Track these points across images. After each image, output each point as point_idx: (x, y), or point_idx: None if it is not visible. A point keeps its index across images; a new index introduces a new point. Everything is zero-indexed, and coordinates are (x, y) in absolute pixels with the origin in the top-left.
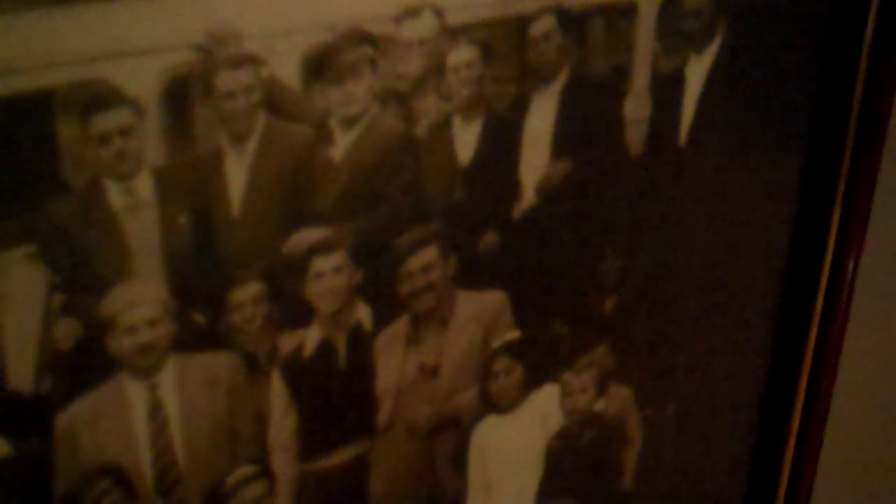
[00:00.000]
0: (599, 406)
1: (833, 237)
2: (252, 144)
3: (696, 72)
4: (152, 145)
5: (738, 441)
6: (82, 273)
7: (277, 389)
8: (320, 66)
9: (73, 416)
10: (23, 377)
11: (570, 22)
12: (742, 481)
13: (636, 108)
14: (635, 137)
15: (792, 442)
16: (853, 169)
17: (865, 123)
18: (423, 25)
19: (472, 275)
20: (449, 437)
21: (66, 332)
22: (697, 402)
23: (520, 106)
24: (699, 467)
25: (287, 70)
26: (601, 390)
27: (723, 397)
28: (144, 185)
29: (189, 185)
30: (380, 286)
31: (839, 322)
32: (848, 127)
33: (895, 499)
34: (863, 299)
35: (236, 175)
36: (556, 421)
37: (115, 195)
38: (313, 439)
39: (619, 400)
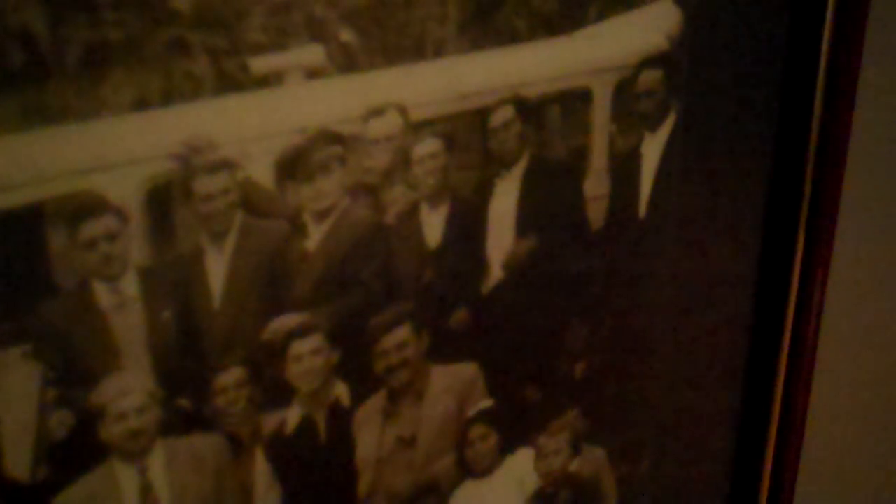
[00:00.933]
0: (574, 467)
1: (794, 293)
2: (230, 241)
3: (652, 148)
4: (137, 247)
5: (714, 492)
6: (74, 367)
7: (261, 466)
8: (292, 167)
9: (69, 501)
10: (20, 466)
11: (528, 110)
12: None
13: (596, 185)
14: (596, 213)
15: (767, 481)
16: (809, 238)
17: (819, 191)
18: (389, 123)
19: (444, 349)
20: (428, 502)
21: (60, 422)
22: (671, 456)
23: (483, 191)
24: None
25: (261, 171)
26: (575, 451)
27: (696, 450)
28: (130, 284)
29: (172, 281)
30: (356, 364)
31: (804, 380)
32: (803, 195)
33: None
34: (828, 343)
35: (216, 270)
36: (532, 483)
37: (102, 295)
38: None
39: (593, 460)
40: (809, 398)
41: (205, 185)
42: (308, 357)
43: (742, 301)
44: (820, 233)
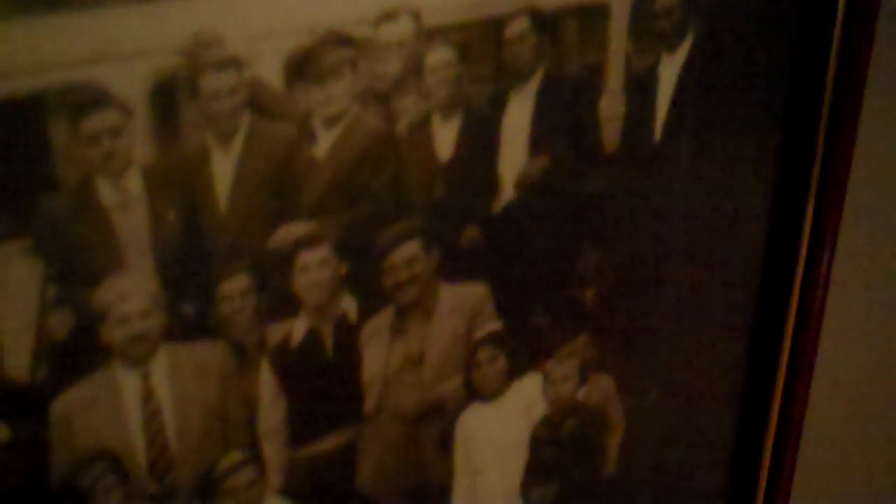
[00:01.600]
0: (582, 394)
1: (808, 227)
2: (237, 143)
3: (669, 70)
4: (141, 144)
5: (720, 427)
6: (75, 266)
7: (266, 378)
8: (302, 68)
9: (68, 403)
10: (19, 365)
11: (544, 23)
12: (724, 467)
13: (611, 106)
14: (611, 134)
15: (773, 428)
16: (826, 160)
17: (838, 115)
18: (401, 28)
19: (454, 268)
20: (435, 424)
21: (61, 322)
22: (679, 390)
23: (497, 104)
24: (682, 454)
25: (269, 71)
26: (583, 379)
27: (704, 384)
28: (134, 183)
29: (177, 182)
30: (364, 279)
31: (817, 306)
32: (820, 119)
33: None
34: (840, 283)
35: (222, 172)
36: (539, 409)
37: (105, 192)
38: (302, 426)
39: (600, 388)
40: (822, 320)
41: (212, 82)
42: (315, 268)
43: (755, 232)
44: (837, 156)
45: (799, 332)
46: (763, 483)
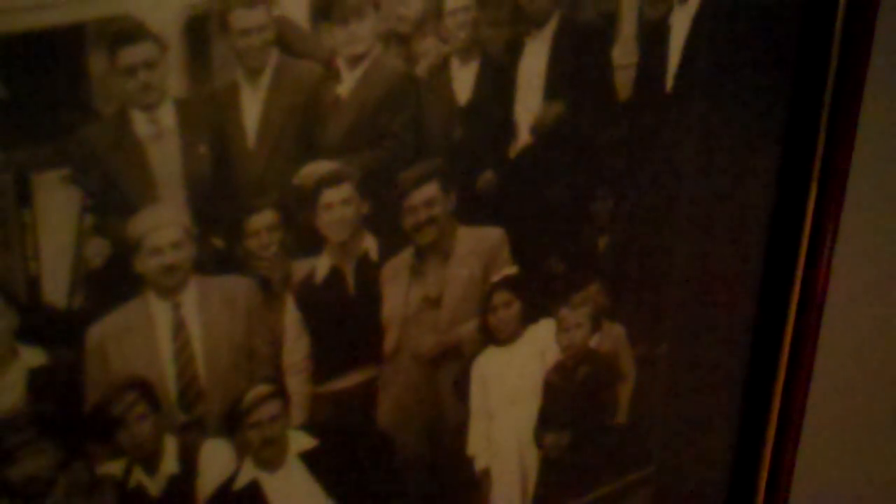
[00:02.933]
0: (594, 342)
1: (815, 181)
2: (265, 79)
3: (681, 20)
4: (174, 78)
5: (730, 380)
6: (111, 196)
7: (291, 313)
8: (327, 7)
9: (103, 330)
10: (57, 292)
11: None
12: (734, 420)
13: (624, 54)
14: (624, 82)
15: (781, 381)
16: (835, 106)
17: (847, 61)
18: None
19: (471, 211)
20: (451, 365)
21: (97, 250)
22: (689, 342)
23: (513, 49)
24: (692, 406)
25: (296, 10)
26: (595, 327)
27: (714, 337)
28: (167, 116)
29: (208, 116)
30: (385, 219)
31: (824, 260)
32: (829, 67)
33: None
34: (846, 235)
35: (251, 108)
36: (552, 355)
37: (140, 124)
38: (324, 363)
39: (612, 337)
40: (829, 275)
41: (242, 19)
42: (338, 206)
43: (766, 181)
44: (846, 100)
45: (808, 282)
46: (772, 434)
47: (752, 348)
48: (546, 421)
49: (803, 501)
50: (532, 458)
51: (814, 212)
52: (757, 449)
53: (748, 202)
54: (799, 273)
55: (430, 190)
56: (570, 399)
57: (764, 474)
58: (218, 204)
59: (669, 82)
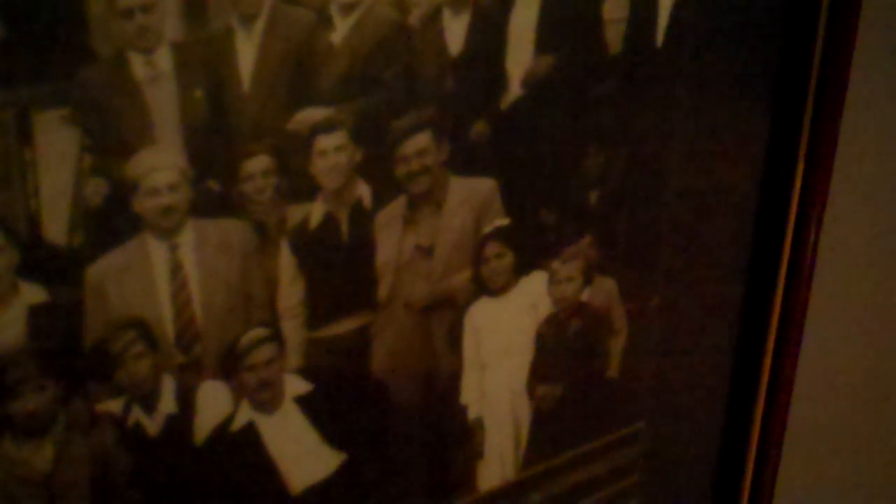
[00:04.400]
0: (586, 296)
1: (807, 129)
2: (260, 25)
3: None
4: (171, 22)
5: (720, 337)
6: (109, 136)
7: (286, 258)
8: None
9: (102, 269)
10: (57, 231)
11: None
12: (725, 374)
13: (615, 7)
14: (614, 37)
15: (773, 337)
16: (825, 63)
17: (836, 17)
18: None
19: (464, 161)
20: (445, 315)
21: (96, 190)
22: (680, 298)
23: (505, 1)
24: (682, 362)
25: None
26: (587, 280)
27: (704, 293)
28: (164, 59)
29: (204, 60)
30: (378, 167)
31: (817, 207)
32: (818, 24)
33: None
34: (840, 180)
35: (246, 53)
36: (545, 307)
37: (137, 66)
38: (319, 308)
39: (604, 291)
40: (822, 224)
41: None
42: (332, 153)
43: (757, 139)
44: (835, 58)
45: (799, 238)
46: (764, 391)
47: (744, 303)
48: (538, 373)
49: (795, 458)
50: (525, 409)
51: (805, 159)
52: (749, 405)
53: (740, 156)
54: (790, 227)
55: (423, 139)
56: (562, 352)
57: (756, 431)
58: (214, 147)
59: (660, 37)
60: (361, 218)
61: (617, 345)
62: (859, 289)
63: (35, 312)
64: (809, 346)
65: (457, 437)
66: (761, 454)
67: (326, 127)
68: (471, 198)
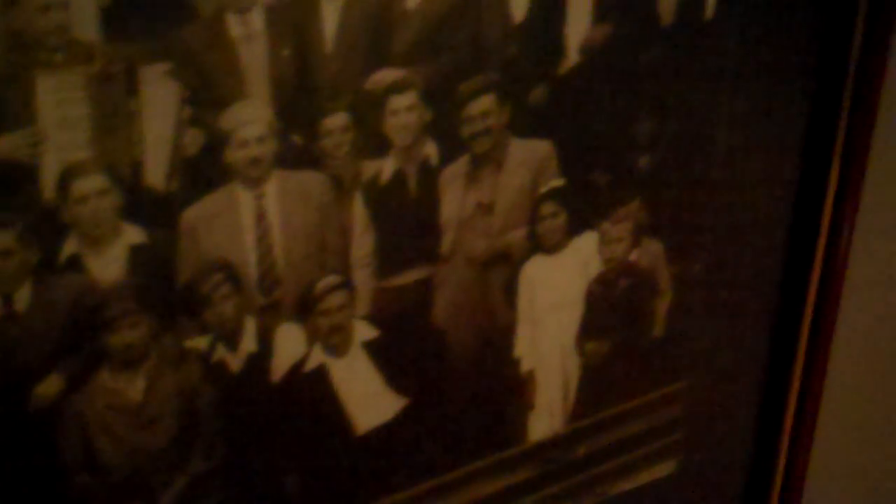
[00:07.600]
0: (634, 256)
1: (848, 102)
2: None
3: None
4: None
5: (761, 302)
6: (207, 90)
7: (359, 209)
8: None
9: (195, 214)
10: (156, 176)
11: None
12: (763, 340)
13: None
14: (667, 8)
15: (811, 305)
16: (868, 36)
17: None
18: None
19: (523, 124)
20: (502, 269)
21: (193, 140)
22: (723, 263)
23: None
24: (725, 325)
25: None
26: (635, 242)
27: (747, 258)
28: (258, 20)
29: (292, 21)
30: (445, 127)
31: (855, 181)
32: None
33: None
34: (879, 150)
35: (330, 16)
36: (595, 266)
37: (234, 25)
38: (387, 259)
39: (651, 253)
40: (860, 198)
41: None
42: (404, 112)
43: (800, 109)
44: (878, 31)
45: (840, 206)
46: (802, 356)
47: (783, 271)
48: (587, 329)
49: (832, 416)
50: (574, 364)
51: (846, 130)
52: (786, 370)
53: (783, 127)
54: (830, 199)
55: (487, 101)
56: (610, 309)
57: (794, 394)
58: (298, 104)
59: (710, 9)
60: (428, 174)
61: (662, 306)
62: None
63: (135, 252)
64: (847, 313)
65: (510, 388)
66: (800, 413)
67: (399, 88)
68: (529, 159)
